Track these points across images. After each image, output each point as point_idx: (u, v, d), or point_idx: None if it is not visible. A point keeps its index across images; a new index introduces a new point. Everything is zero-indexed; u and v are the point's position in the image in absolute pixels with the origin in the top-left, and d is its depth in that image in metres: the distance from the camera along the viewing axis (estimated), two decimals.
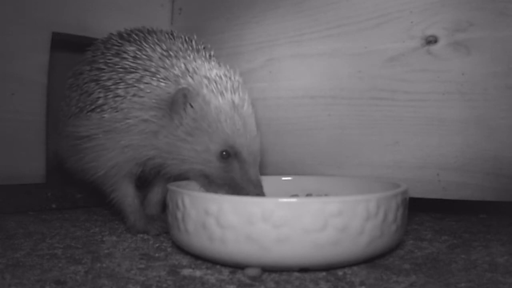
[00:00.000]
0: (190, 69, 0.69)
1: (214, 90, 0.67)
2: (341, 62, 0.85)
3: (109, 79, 0.71)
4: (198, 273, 0.55)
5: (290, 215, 0.53)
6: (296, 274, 0.55)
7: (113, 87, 0.71)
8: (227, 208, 0.54)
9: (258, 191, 0.67)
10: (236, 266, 0.57)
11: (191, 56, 0.72)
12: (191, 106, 0.67)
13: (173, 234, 0.63)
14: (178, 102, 0.66)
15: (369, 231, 0.55)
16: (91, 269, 0.56)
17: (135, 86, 0.69)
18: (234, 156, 0.67)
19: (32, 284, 0.51)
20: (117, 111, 0.70)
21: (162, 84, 0.68)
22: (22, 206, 0.89)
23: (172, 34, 0.77)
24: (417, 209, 0.86)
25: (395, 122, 0.81)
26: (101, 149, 0.71)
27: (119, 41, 0.76)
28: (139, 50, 0.72)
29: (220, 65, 0.74)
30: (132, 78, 0.70)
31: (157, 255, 0.63)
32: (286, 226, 0.52)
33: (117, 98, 0.70)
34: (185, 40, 0.76)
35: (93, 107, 0.72)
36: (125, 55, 0.72)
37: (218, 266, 0.58)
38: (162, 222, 0.75)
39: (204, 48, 0.77)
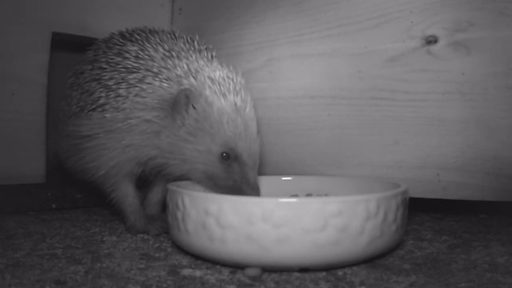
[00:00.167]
0: (193, 70, 0.69)
1: (217, 91, 0.67)
2: (341, 62, 0.85)
3: (111, 78, 0.71)
4: (198, 273, 0.55)
5: (290, 215, 0.53)
6: (296, 274, 0.55)
7: (114, 86, 0.71)
8: (227, 208, 0.54)
9: (255, 194, 0.67)
10: (236, 266, 0.57)
11: (193, 57, 0.72)
12: (194, 107, 0.67)
13: (173, 234, 0.63)
14: (180, 102, 0.66)
15: (369, 231, 0.55)
16: (91, 269, 0.56)
17: (137, 86, 0.69)
18: (234, 158, 0.67)
19: (32, 284, 0.51)
20: (118, 111, 0.70)
21: (165, 84, 0.68)
22: (22, 206, 0.89)
23: (174, 35, 0.77)
24: (417, 209, 0.86)
25: (395, 122, 0.81)
26: (102, 149, 0.71)
27: (121, 40, 0.76)
28: (141, 50, 0.72)
29: (222, 66, 0.74)
30: (134, 78, 0.70)
31: (157, 255, 0.63)
32: (286, 226, 0.52)
33: (118, 98, 0.70)
34: (187, 40, 0.76)
35: (94, 106, 0.72)
36: (127, 55, 0.72)
37: (218, 266, 0.58)
38: (162, 222, 0.75)
39: (206, 48, 0.77)
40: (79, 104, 0.75)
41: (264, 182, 0.74)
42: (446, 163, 0.77)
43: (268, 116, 0.92)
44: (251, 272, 0.54)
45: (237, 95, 0.68)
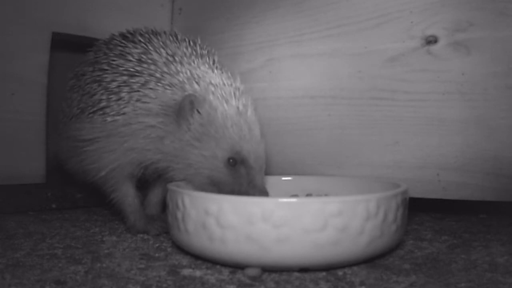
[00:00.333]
0: (195, 76, 0.69)
1: (219, 96, 0.67)
2: (341, 62, 0.85)
3: (113, 81, 0.71)
4: (198, 273, 0.55)
5: (290, 215, 0.53)
6: (296, 274, 0.55)
7: (116, 90, 0.70)
8: (227, 208, 0.54)
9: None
10: (236, 266, 0.57)
11: (196, 63, 0.72)
12: (199, 112, 0.67)
13: (173, 234, 0.63)
14: (185, 108, 0.66)
15: (369, 231, 0.55)
16: (91, 269, 0.56)
17: (139, 91, 0.69)
18: (240, 163, 0.67)
19: (32, 284, 0.51)
20: (120, 115, 0.69)
21: (168, 91, 0.68)
22: (22, 206, 0.89)
23: (176, 37, 0.76)
24: (417, 209, 0.86)
25: (395, 122, 0.81)
26: (103, 152, 0.71)
27: (122, 42, 0.75)
28: (144, 53, 0.72)
29: (222, 72, 0.74)
30: (137, 83, 0.70)
31: (157, 255, 0.63)
32: (286, 226, 0.52)
33: (120, 102, 0.70)
34: (189, 44, 0.76)
35: (95, 109, 0.72)
36: (130, 57, 0.72)
37: (218, 266, 0.58)
38: (162, 222, 0.75)
39: (208, 52, 0.77)
40: (80, 106, 0.75)
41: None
42: (446, 163, 0.77)
43: (268, 116, 0.92)
44: (251, 272, 0.54)
45: (238, 100, 0.68)
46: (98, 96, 0.72)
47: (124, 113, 0.69)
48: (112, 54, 0.74)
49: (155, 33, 0.77)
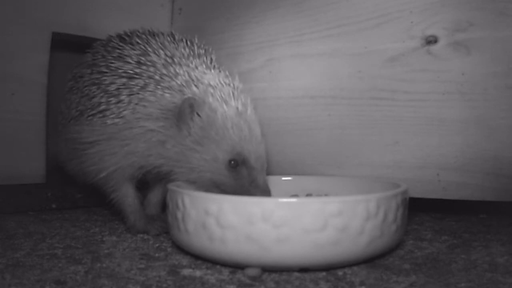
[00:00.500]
0: (194, 78, 0.69)
1: (219, 98, 0.67)
2: (341, 62, 0.85)
3: (112, 83, 0.71)
4: (198, 273, 0.55)
5: (290, 215, 0.53)
6: (296, 274, 0.55)
7: (115, 92, 0.70)
8: (227, 208, 0.54)
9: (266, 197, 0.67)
10: (236, 266, 0.57)
11: (194, 63, 0.72)
12: (198, 115, 0.67)
13: (173, 234, 0.63)
14: (185, 111, 0.66)
15: (369, 231, 0.55)
16: (91, 269, 0.56)
17: (139, 94, 0.69)
18: (242, 164, 0.67)
19: (32, 284, 0.51)
20: (119, 118, 0.69)
21: (167, 94, 0.68)
22: (22, 206, 0.89)
23: (174, 37, 0.76)
24: (417, 209, 0.86)
25: (395, 122, 0.81)
26: (104, 154, 0.71)
27: (120, 44, 0.75)
28: (143, 55, 0.72)
29: (220, 71, 0.74)
30: (136, 85, 0.69)
31: (157, 255, 0.63)
32: (286, 226, 0.52)
33: (120, 104, 0.69)
34: (187, 44, 0.75)
35: (94, 111, 0.71)
36: (129, 59, 0.72)
37: (218, 266, 0.58)
38: (162, 222, 0.75)
39: (205, 51, 0.77)
40: (79, 108, 0.74)
41: None
42: (446, 163, 0.77)
43: (268, 116, 0.92)
44: (251, 272, 0.54)
45: (237, 100, 0.68)
46: (97, 98, 0.72)
47: (124, 116, 0.69)
48: (110, 57, 0.74)
49: (153, 34, 0.76)
